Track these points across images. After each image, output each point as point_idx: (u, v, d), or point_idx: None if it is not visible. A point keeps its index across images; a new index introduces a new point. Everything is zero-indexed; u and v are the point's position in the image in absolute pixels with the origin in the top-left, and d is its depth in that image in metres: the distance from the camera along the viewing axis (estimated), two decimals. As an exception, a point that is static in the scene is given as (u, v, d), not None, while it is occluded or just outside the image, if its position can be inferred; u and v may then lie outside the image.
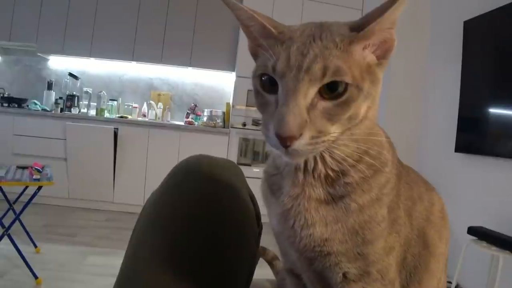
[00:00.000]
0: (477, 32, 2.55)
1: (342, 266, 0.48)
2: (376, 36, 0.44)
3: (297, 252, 0.51)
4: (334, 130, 0.43)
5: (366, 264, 0.48)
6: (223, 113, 4.02)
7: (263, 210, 0.64)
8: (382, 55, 0.46)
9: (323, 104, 0.42)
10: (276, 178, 0.54)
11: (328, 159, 0.47)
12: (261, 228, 0.71)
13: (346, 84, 0.42)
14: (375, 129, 0.50)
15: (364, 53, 0.45)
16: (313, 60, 0.41)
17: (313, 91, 0.42)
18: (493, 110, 2.39)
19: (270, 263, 0.82)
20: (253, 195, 0.70)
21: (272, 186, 0.54)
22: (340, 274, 0.49)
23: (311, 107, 0.42)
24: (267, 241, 0.79)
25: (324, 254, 0.48)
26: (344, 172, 0.48)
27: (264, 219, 0.64)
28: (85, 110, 3.91)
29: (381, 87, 0.51)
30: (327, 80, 0.41)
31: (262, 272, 0.80)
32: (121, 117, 3.81)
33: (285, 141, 0.40)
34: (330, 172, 0.48)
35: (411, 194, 0.55)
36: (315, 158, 0.48)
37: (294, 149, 0.41)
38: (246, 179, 0.73)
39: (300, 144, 0.41)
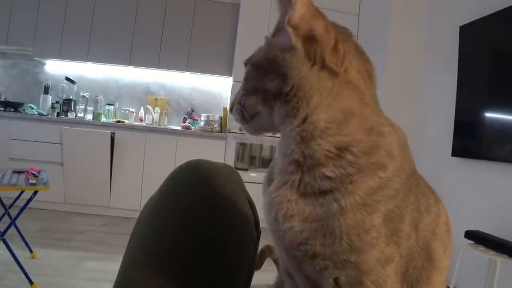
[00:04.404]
0: (473, 37, 2.57)
1: (331, 272, 0.46)
2: None
3: (284, 249, 0.50)
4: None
5: (357, 273, 0.46)
6: (220, 117, 4.01)
7: (261, 215, 0.64)
8: None
9: None
10: (273, 168, 0.54)
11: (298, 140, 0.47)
12: (260, 233, 0.70)
13: None
14: (376, 127, 0.48)
15: None
16: None
17: None
18: (489, 115, 2.41)
19: (277, 262, 0.81)
20: (251, 200, 0.70)
21: (270, 176, 0.54)
22: (331, 280, 0.47)
23: None
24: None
25: (310, 255, 0.47)
26: (319, 161, 0.46)
27: (263, 224, 0.64)
28: (81, 115, 3.90)
29: (378, 92, 0.50)
30: None
31: (262, 277, 0.80)
32: (118, 121, 3.80)
33: None
34: (300, 158, 0.47)
35: (418, 206, 0.53)
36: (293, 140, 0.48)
37: None
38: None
39: None
